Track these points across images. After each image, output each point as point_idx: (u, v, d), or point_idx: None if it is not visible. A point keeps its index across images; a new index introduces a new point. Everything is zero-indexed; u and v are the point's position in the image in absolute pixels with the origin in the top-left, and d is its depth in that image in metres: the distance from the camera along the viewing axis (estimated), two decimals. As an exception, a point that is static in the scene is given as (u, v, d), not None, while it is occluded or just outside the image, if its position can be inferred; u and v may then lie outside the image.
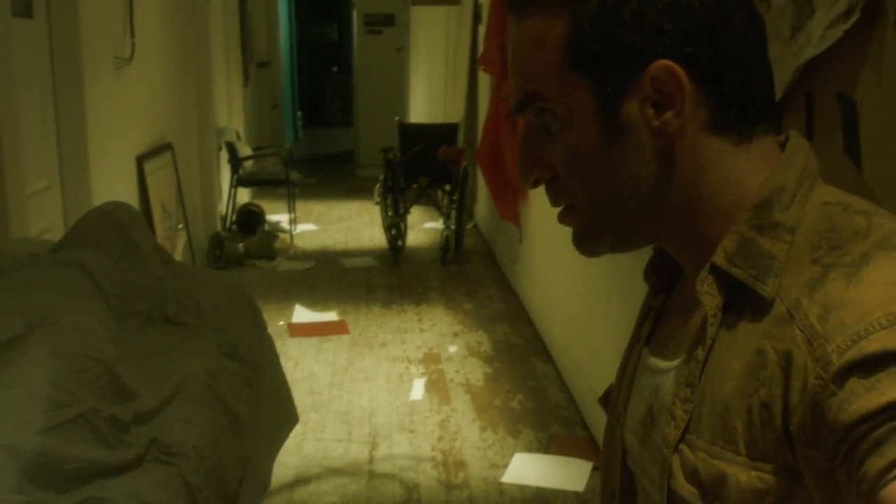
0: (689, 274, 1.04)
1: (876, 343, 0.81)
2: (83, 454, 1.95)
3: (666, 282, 1.12)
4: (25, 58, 4.18)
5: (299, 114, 16.70)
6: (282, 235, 8.54)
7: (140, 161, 5.78)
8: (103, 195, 4.90)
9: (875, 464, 0.79)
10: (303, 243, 8.59)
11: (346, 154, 14.64)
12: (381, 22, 14.04)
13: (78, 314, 2.23)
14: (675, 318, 1.08)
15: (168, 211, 6.27)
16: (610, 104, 0.96)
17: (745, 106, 0.97)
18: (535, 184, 1.05)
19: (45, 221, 4.41)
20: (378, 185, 8.27)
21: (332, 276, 7.47)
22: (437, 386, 5.14)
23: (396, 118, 9.27)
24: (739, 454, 0.90)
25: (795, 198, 0.95)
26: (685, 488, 0.95)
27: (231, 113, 9.65)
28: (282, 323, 6.12)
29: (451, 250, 7.87)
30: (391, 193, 8.06)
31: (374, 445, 4.36)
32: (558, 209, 1.06)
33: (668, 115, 0.95)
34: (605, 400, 1.21)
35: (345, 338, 5.94)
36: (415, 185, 8.04)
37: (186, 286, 2.82)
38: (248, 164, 8.99)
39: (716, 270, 0.96)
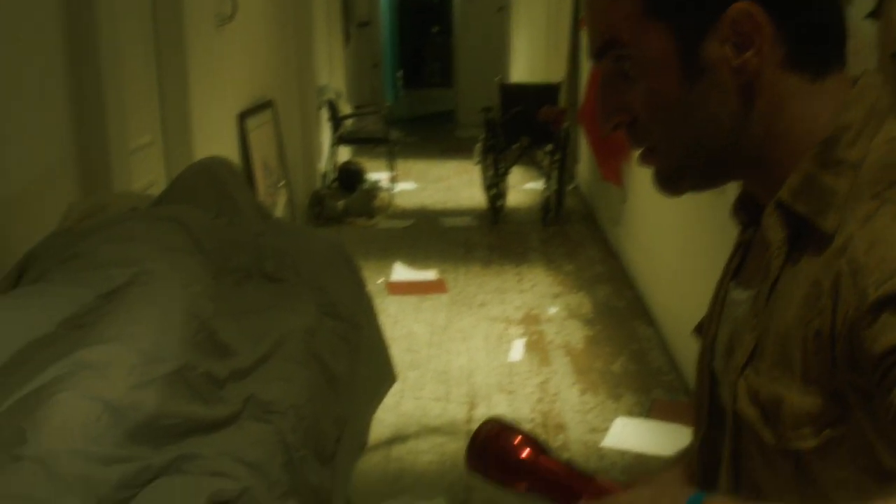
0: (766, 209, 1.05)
1: None
2: (178, 410, 1.92)
3: (753, 216, 1.12)
4: (129, 15, 4.19)
5: (399, 74, 16.67)
6: (381, 194, 8.52)
7: (241, 118, 5.79)
8: (205, 151, 4.91)
9: None
10: (402, 202, 8.56)
11: (446, 114, 14.56)
12: (482, -20, 13.86)
13: (176, 269, 2.21)
14: (758, 252, 1.10)
15: (269, 168, 6.29)
16: (690, 48, 0.98)
17: (820, 43, 1.00)
18: (616, 128, 1.07)
19: (148, 176, 4.44)
20: (478, 145, 8.19)
21: (431, 236, 7.43)
22: (536, 347, 5.06)
23: (497, 78, 9.14)
24: (795, 379, 0.95)
25: (861, 134, 0.97)
26: (747, 410, 1.00)
27: (332, 72, 9.64)
28: (381, 281, 6.10)
29: (551, 211, 7.76)
30: (492, 153, 7.97)
31: (472, 405, 4.31)
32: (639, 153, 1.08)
33: (748, 54, 0.97)
34: (699, 331, 1.22)
35: (443, 297, 5.90)
36: (516, 146, 7.93)
37: (285, 243, 2.78)
38: (349, 122, 8.98)
39: (780, 206, 1.00)
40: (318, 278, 2.73)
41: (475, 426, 1.17)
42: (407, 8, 18.13)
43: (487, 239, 7.37)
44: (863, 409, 0.90)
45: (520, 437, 1.13)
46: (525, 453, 1.12)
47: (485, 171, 8.09)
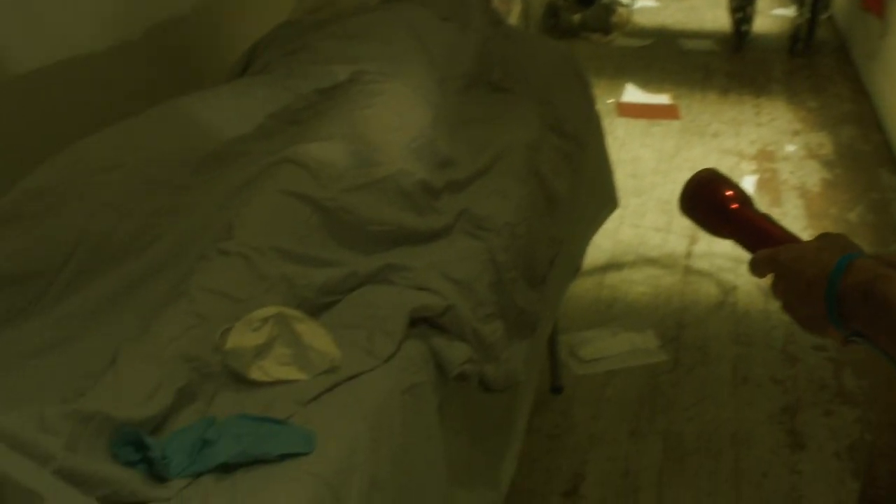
0: None
1: None
2: (390, 217, 1.85)
3: None
4: None
5: None
6: (620, 9, 8.14)
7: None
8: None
9: None
10: (641, 19, 8.16)
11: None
12: None
13: (398, 72, 2.10)
14: None
15: (505, -26, 6.06)
16: None
17: None
18: None
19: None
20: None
21: (668, 57, 7.07)
22: (768, 186, 4.77)
23: None
24: None
25: None
26: None
27: None
28: (611, 101, 5.87)
29: (800, 41, 7.21)
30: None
31: (693, 240, 4.12)
32: None
33: None
34: None
35: (675, 123, 5.62)
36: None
37: (514, 52, 2.62)
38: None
39: None
40: (546, 91, 2.57)
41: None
42: None
43: (728, 66, 6.94)
44: None
45: (730, 189, 1.23)
46: (733, 204, 1.22)
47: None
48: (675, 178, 4.81)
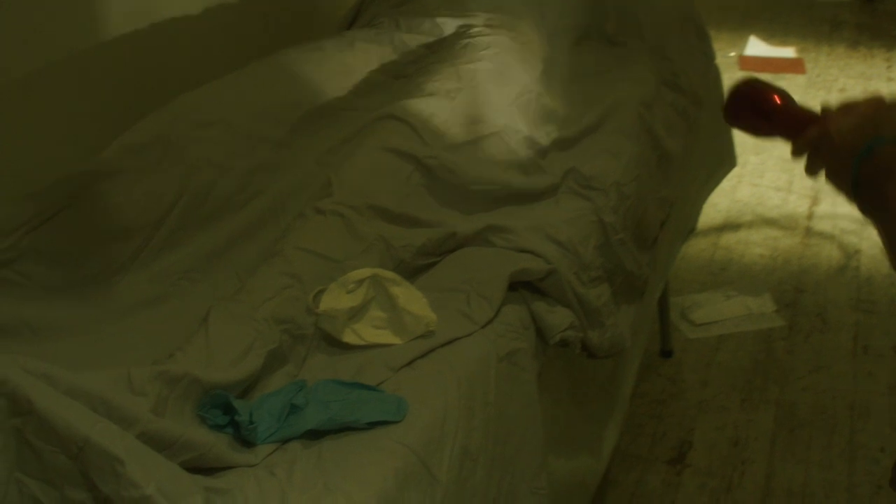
0: None
1: None
2: (494, 176, 1.79)
3: None
4: None
5: None
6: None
7: None
8: None
9: None
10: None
11: None
12: None
13: (506, 25, 2.03)
14: None
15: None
16: None
17: None
18: None
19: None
20: None
21: (794, 8, 6.78)
22: (898, 144, 4.55)
23: None
24: None
25: None
26: None
27: None
28: (733, 54, 5.67)
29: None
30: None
31: (815, 200, 3.96)
32: None
33: None
34: None
35: (800, 78, 5.40)
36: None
37: (631, 2, 2.52)
38: None
39: None
40: (663, 44, 2.47)
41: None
42: None
43: (859, 17, 6.63)
44: None
45: (770, 91, 1.31)
46: (774, 101, 1.30)
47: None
48: (798, 135, 4.62)
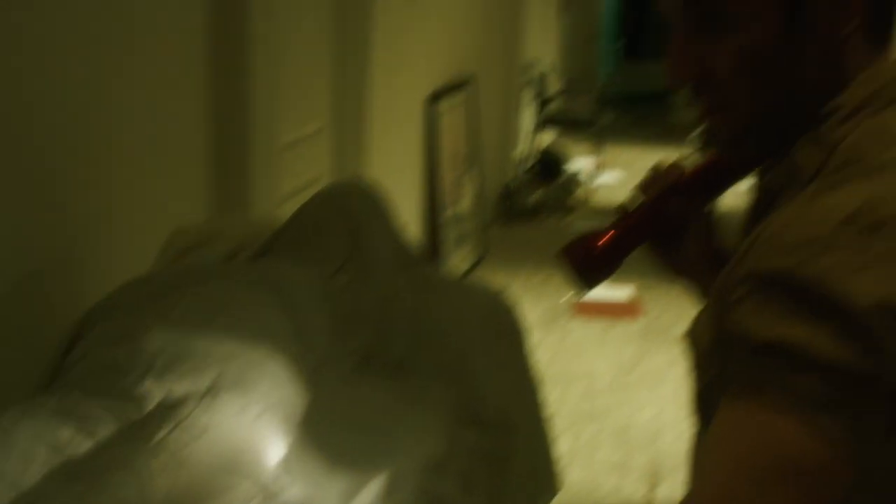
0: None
1: (772, 262, 0.88)
2: None
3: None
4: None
5: (619, 45, 15.77)
6: (581, 186, 7.80)
7: (431, 100, 5.19)
8: (384, 140, 4.36)
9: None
10: (603, 196, 7.79)
11: (665, 93, 13.57)
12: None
13: (244, 385, 1.58)
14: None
15: (457, 158, 5.67)
16: (798, 4, 0.97)
17: (887, 15, 1.01)
18: (683, 84, 1.06)
19: (312, 171, 3.89)
20: (696, 134, 7.34)
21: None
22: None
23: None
24: (712, 314, 0.96)
25: (852, 117, 0.97)
26: (687, 342, 1.03)
27: (542, 44, 8.93)
28: (566, 299, 5.41)
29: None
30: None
31: (654, 481, 3.60)
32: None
33: (844, 16, 0.97)
34: None
35: (636, 324, 5.16)
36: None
37: (428, 306, 2.13)
38: (555, 103, 8.26)
39: (767, 172, 1.06)
40: (466, 359, 2.08)
41: None
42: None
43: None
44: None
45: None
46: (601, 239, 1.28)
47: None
48: (635, 396, 4.31)
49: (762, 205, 1.04)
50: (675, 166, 1.28)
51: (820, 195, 0.91)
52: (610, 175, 8.42)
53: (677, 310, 5.31)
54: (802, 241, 0.86)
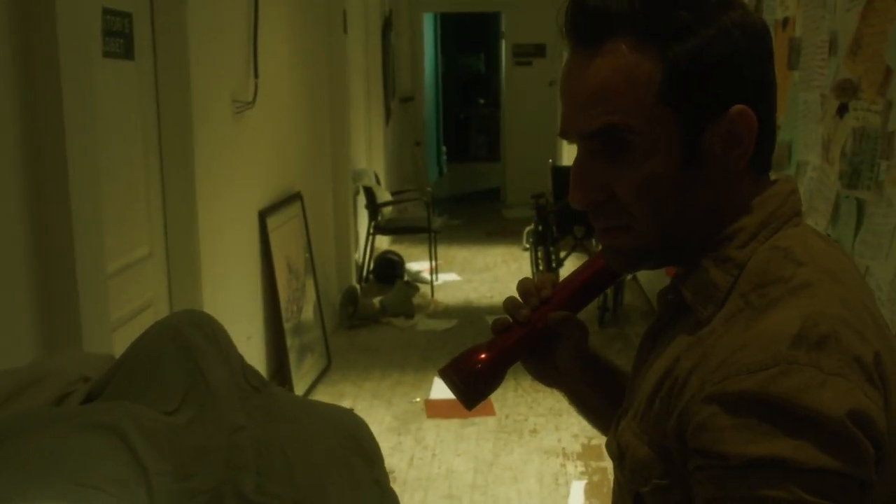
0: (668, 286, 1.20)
1: (741, 384, 0.95)
2: None
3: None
4: (125, 105, 3.55)
5: (444, 149, 16.10)
6: (422, 288, 7.82)
7: (263, 216, 5.14)
8: (216, 258, 4.27)
9: (700, 493, 0.97)
10: (444, 297, 7.83)
11: (493, 192, 13.88)
12: (531, 53, 13.15)
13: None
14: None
15: (294, 269, 5.61)
16: (693, 135, 1.07)
17: (770, 145, 1.13)
18: (588, 206, 1.12)
19: (145, 296, 3.77)
20: (528, 230, 7.50)
21: (475, 338, 6.64)
22: (599, 491, 4.28)
23: (550, 161, 8.45)
24: (644, 433, 1.08)
25: (754, 238, 1.08)
26: (612, 451, 1.16)
27: (370, 153, 9.01)
28: (418, 399, 5.36)
29: (609, 310, 6.98)
30: (543, 244, 7.26)
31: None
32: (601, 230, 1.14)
33: (737, 151, 1.08)
34: None
35: (490, 421, 5.13)
36: (569, 236, 7.22)
37: (276, 436, 2.04)
38: (388, 209, 8.32)
39: (674, 289, 1.14)
40: (320, 487, 2.00)
41: None
42: (452, 79, 17.65)
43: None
44: (683, 469, 1.01)
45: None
46: (482, 354, 1.28)
47: (535, 263, 7.38)
48: (496, 492, 4.27)
49: (667, 318, 1.15)
50: (546, 279, 1.33)
51: (761, 317, 1.00)
52: (447, 276, 8.48)
53: (527, 405, 5.34)
54: (765, 363, 0.94)
